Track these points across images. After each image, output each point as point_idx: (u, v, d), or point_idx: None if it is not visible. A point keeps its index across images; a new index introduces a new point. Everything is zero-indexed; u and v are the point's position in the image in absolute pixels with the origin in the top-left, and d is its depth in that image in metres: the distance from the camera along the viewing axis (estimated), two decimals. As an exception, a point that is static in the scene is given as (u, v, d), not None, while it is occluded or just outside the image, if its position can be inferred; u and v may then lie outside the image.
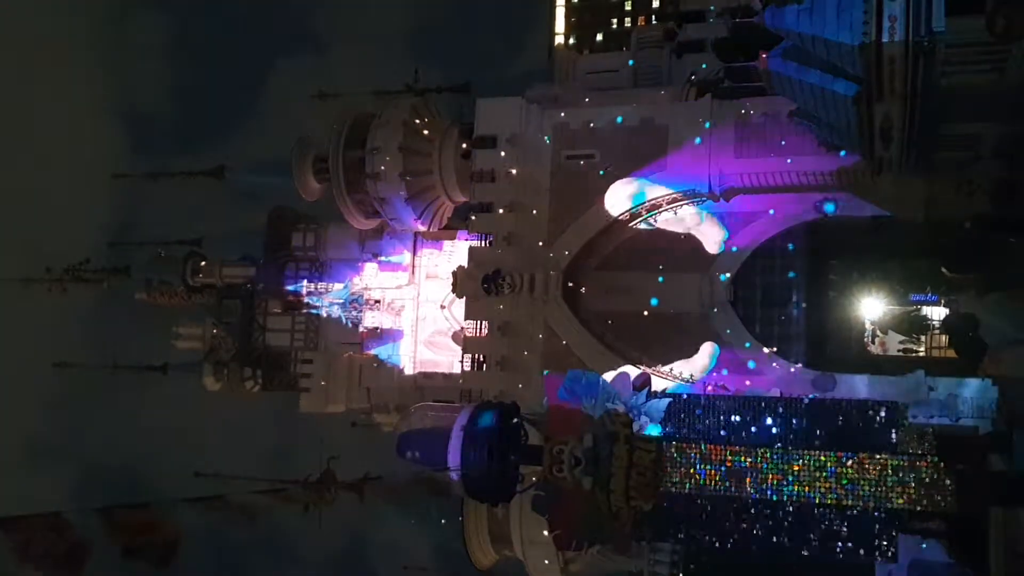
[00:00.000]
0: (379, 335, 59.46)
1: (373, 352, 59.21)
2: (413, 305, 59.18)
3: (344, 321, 59.76)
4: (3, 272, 65.97)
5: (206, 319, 63.60)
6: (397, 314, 59.41)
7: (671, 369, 48.92)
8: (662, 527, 34.80)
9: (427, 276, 59.61)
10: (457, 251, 57.50)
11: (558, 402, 34.96)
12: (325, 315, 59.56)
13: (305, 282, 60.04)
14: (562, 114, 52.85)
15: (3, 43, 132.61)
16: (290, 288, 60.60)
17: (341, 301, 59.17)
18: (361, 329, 59.33)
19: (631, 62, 59.67)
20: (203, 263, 64.05)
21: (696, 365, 48.74)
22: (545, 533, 39.69)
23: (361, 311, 59.30)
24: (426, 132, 57.43)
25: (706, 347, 48.96)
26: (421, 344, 58.64)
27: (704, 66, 53.82)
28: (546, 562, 52.81)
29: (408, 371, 57.91)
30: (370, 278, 59.85)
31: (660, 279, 50.75)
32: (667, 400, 34.91)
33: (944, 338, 54.60)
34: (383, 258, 60.39)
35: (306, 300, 59.94)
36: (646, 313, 50.71)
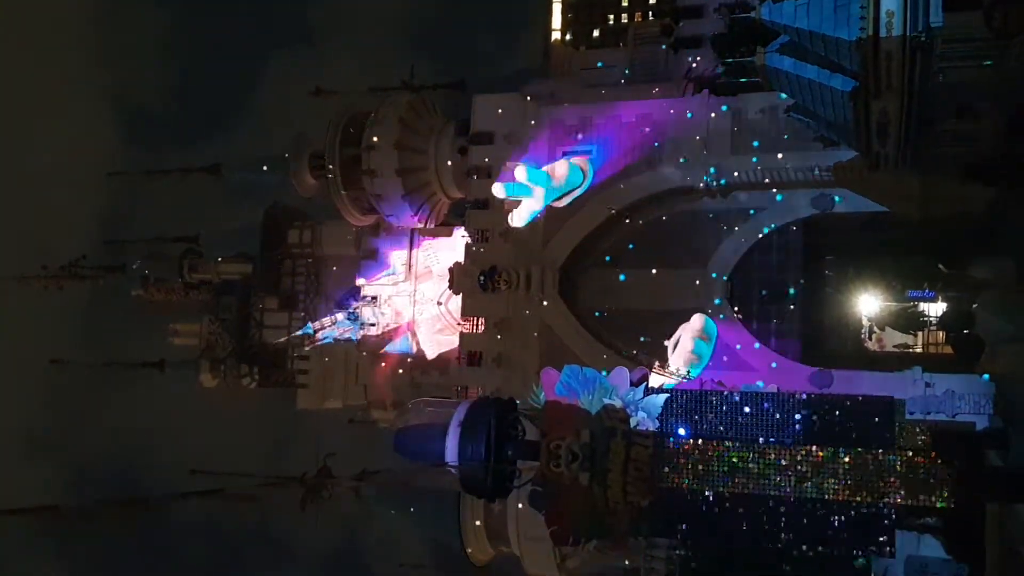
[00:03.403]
0: (376, 331, 59.46)
1: (370, 349, 59.20)
2: (409, 301, 59.19)
3: (342, 318, 59.83)
4: (-1, 269, 65.93)
5: (203, 316, 63.56)
6: (395, 311, 59.41)
7: (668, 365, 48.90)
8: (659, 522, 34.70)
9: (423, 272, 59.61)
10: (454, 247, 57.50)
11: (555, 397, 34.92)
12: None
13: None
14: (559, 110, 52.84)
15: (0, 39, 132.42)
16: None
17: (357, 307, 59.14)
18: (358, 325, 59.35)
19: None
20: (200, 260, 64.08)
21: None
22: (542, 529, 39.65)
23: (358, 308, 59.33)
24: (422, 129, 57.39)
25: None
26: (424, 338, 58.68)
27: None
28: (543, 558, 52.81)
29: (403, 367, 57.92)
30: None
31: (657, 276, 50.75)
32: (664, 396, 34.88)
33: (941, 334, 54.63)
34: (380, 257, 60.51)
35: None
36: (643, 310, 50.70)
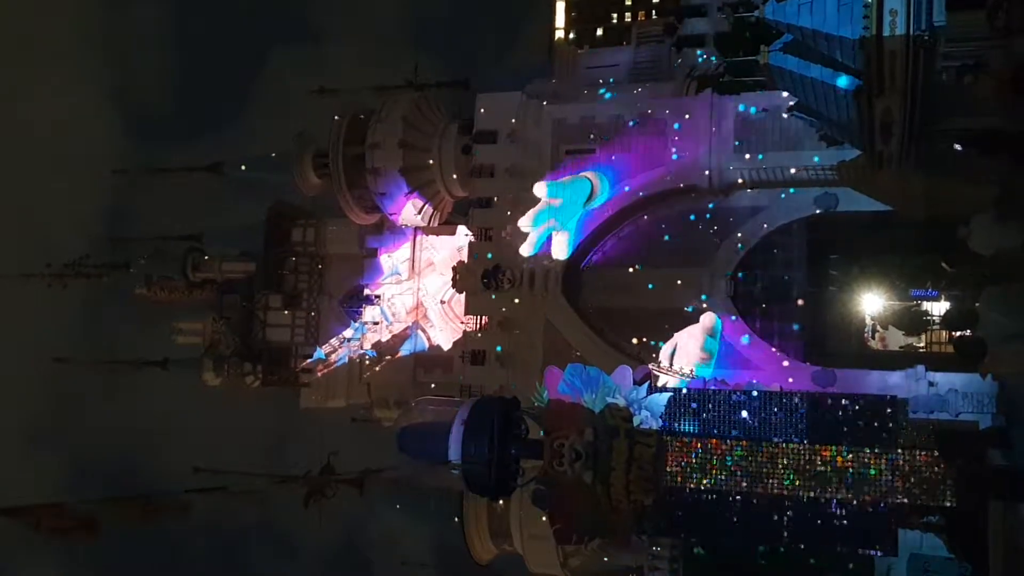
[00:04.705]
0: (379, 330, 59.50)
1: (373, 347, 59.27)
2: (413, 300, 59.24)
3: (345, 316, 59.90)
4: (3, 267, 66.07)
5: (207, 314, 63.65)
6: (405, 309, 59.45)
7: (671, 364, 48.90)
8: (662, 521, 34.84)
9: (427, 271, 59.66)
10: (457, 246, 57.55)
11: (559, 396, 35.02)
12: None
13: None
14: (562, 109, 52.86)
15: (1, 37, 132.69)
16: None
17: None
18: (361, 323, 59.41)
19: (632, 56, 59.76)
20: (204, 258, 64.17)
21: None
22: (545, 527, 39.72)
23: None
24: (426, 127, 57.44)
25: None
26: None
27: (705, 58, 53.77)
28: (546, 556, 52.85)
29: (407, 365, 57.97)
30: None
31: (660, 275, 50.75)
32: (668, 394, 34.97)
33: (945, 334, 54.54)
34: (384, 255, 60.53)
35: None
36: (645, 308, 50.67)
